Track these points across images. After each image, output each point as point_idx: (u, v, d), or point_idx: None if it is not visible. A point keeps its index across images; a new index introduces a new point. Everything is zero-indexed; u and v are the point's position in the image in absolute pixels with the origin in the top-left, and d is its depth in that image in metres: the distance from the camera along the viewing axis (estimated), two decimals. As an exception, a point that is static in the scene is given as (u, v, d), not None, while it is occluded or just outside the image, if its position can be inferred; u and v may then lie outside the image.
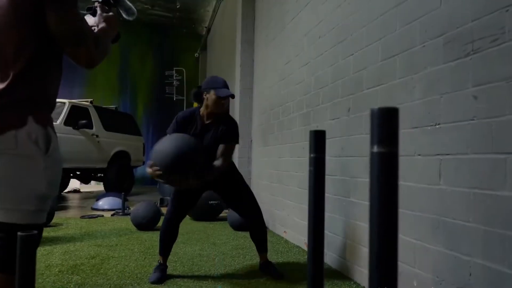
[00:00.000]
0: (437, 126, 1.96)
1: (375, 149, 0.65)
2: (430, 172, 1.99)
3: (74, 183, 9.72)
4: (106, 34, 1.34)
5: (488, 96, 1.66)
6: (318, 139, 1.11)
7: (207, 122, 2.70)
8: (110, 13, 1.42)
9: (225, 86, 2.68)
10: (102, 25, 1.35)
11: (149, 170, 2.39)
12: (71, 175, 8.40)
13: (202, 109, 2.71)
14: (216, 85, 2.66)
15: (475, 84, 1.73)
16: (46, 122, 1.17)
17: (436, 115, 1.97)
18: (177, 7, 10.80)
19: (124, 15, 1.59)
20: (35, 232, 1.17)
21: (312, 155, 1.12)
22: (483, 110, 1.68)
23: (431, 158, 1.99)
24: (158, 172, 2.34)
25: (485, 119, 1.67)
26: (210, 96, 2.64)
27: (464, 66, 1.80)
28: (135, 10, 1.60)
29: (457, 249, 1.80)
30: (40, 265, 2.94)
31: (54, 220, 4.79)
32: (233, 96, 2.68)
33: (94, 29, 1.34)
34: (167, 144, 2.38)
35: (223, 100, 2.64)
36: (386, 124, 0.64)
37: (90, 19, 1.42)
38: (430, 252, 1.98)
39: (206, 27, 11.60)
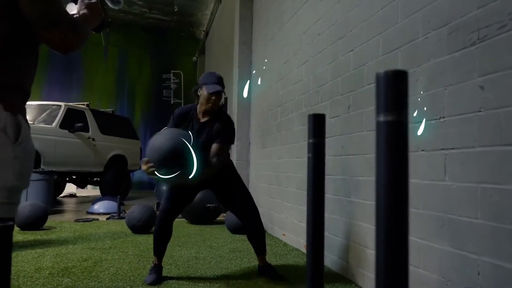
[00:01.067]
0: (442, 120, 1.88)
1: (382, 117, 0.56)
2: (435, 167, 1.91)
3: (70, 188, 9.60)
4: (87, 20, 1.29)
5: (496, 86, 1.59)
6: (317, 123, 1.03)
7: (203, 120, 2.62)
8: (93, 0, 1.35)
9: (218, 81, 2.59)
10: (83, 11, 1.30)
11: (144, 166, 2.31)
12: (67, 179, 8.29)
13: (198, 107, 2.64)
14: (207, 80, 2.59)
15: (482, 73, 1.66)
16: (16, 109, 1.09)
17: (440, 108, 1.89)
18: (175, 10, 10.76)
19: (109, 4, 1.52)
20: (11, 223, 1.08)
21: (311, 141, 1.04)
22: (491, 101, 1.61)
23: (436, 153, 1.91)
24: (152, 169, 2.25)
25: (493, 109, 1.59)
26: (202, 92, 2.58)
27: (469, 55, 1.73)
28: None
29: (464, 247, 1.71)
30: (30, 267, 2.84)
31: (47, 224, 4.69)
32: (221, 93, 2.58)
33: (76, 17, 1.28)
34: (162, 138, 2.30)
35: (214, 96, 2.55)
36: (393, 89, 0.56)
37: (73, 8, 1.36)
38: (435, 252, 1.89)
39: (204, 30, 11.56)
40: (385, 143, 0.56)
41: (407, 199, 0.56)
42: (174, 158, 2.23)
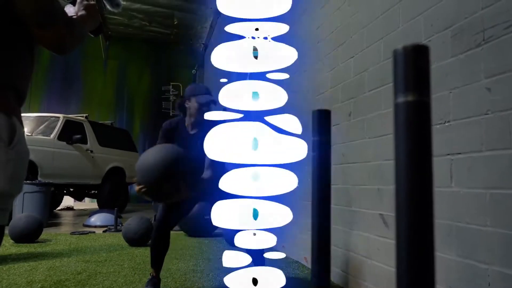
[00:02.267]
0: (447, 124, 1.82)
1: (400, 98, 0.50)
2: (440, 174, 1.84)
3: (67, 201, 9.49)
4: (84, 21, 1.27)
5: (503, 87, 1.53)
6: (321, 120, 0.97)
7: (192, 132, 2.58)
8: (91, 2, 1.32)
9: (207, 92, 2.56)
10: (80, 12, 1.27)
11: (137, 188, 2.19)
12: (64, 191, 8.19)
13: (186, 119, 2.61)
14: (196, 91, 2.56)
15: (488, 75, 1.60)
16: (10, 111, 1.03)
17: (445, 112, 1.83)
18: (175, 23, 10.81)
19: (108, 6, 1.48)
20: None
21: (315, 138, 0.98)
22: (498, 103, 1.55)
23: (441, 159, 1.85)
24: (144, 189, 2.13)
25: (501, 112, 1.54)
26: (192, 104, 2.55)
27: (475, 57, 1.68)
28: (120, 1, 1.50)
29: (473, 256, 1.64)
30: (21, 280, 2.74)
31: (42, 236, 4.58)
32: (214, 102, 2.52)
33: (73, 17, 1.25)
34: (151, 156, 2.16)
35: (205, 107, 2.52)
36: (414, 65, 0.50)
37: (70, 9, 1.33)
38: (442, 262, 1.81)
39: (203, 43, 11.60)
40: (405, 127, 0.50)
41: (432, 194, 0.49)
42: (167, 173, 2.09)
